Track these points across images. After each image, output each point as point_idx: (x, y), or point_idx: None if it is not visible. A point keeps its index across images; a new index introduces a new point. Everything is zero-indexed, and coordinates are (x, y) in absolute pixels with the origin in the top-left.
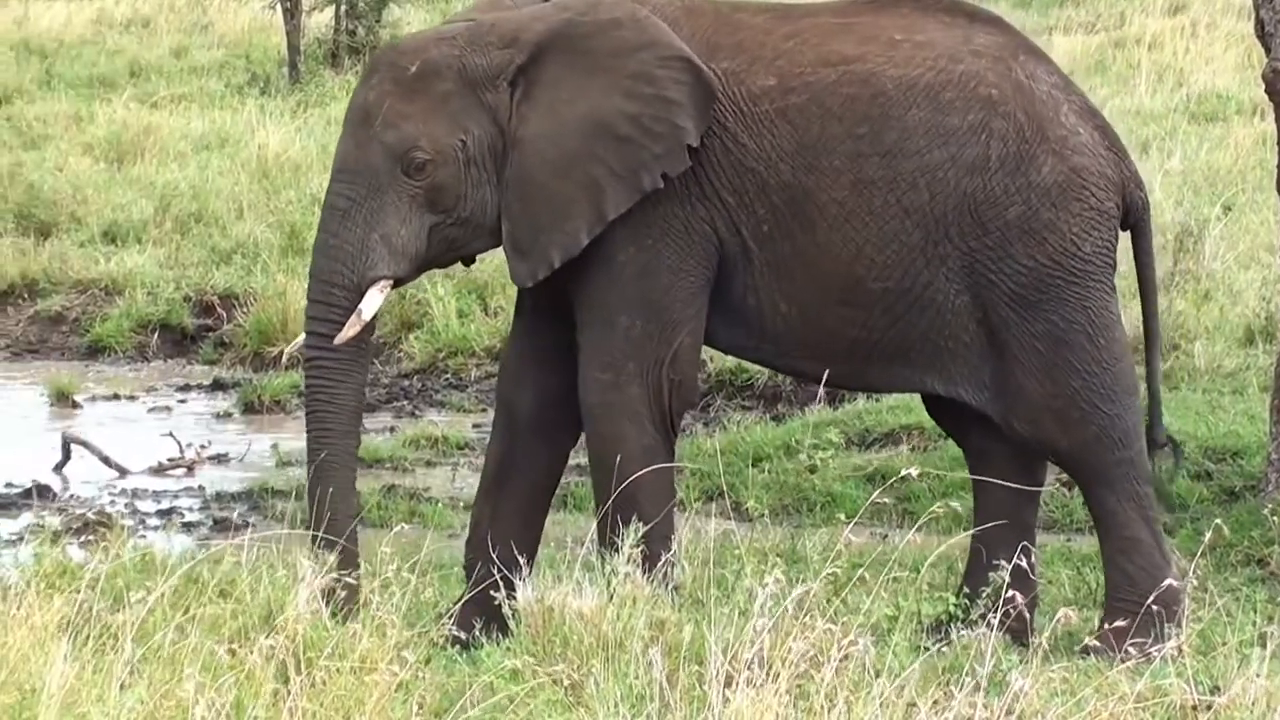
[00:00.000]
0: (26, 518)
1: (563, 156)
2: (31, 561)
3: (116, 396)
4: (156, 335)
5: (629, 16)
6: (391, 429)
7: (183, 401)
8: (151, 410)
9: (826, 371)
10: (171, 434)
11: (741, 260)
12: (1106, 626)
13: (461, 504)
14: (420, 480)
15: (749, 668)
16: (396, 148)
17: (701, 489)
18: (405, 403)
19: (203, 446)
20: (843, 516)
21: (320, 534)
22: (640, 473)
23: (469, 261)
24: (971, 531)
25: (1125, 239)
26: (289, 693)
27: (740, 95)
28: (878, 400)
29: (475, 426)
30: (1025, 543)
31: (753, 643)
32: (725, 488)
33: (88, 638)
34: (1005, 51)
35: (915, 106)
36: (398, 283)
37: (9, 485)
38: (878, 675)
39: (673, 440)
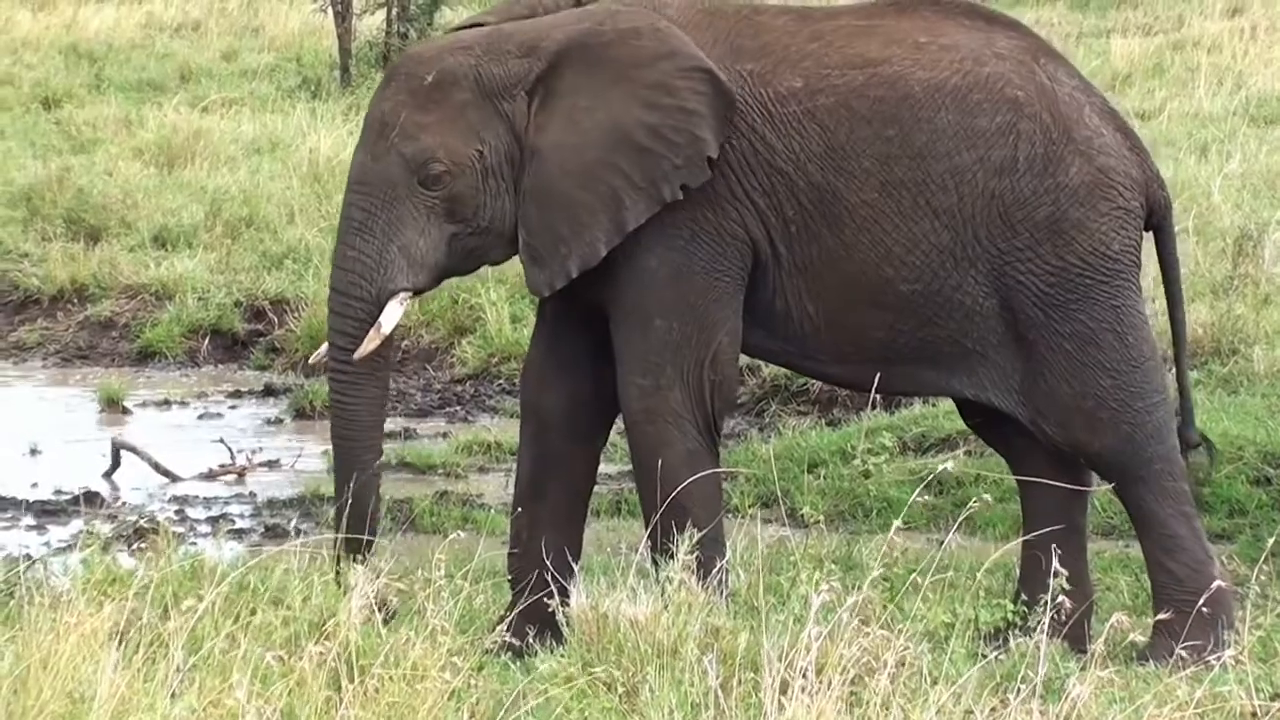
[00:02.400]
0: (76, 525)
1: (582, 167)
2: (81, 569)
3: (167, 402)
4: (207, 340)
5: (649, 26)
6: (444, 434)
7: (234, 407)
8: (202, 416)
9: (862, 375)
10: (222, 440)
11: (770, 262)
12: (1160, 628)
13: None
14: (473, 486)
15: (804, 675)
16: (413, 159)
17: (756, 495)
18: (458, 408)
19: (254, 453)
20: (899, 523)
21: (343, 542)
22: (686, 478)
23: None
24: (1024, 538)
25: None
26: (341, 700)
27: (767, 97)
28: (934, 405)
29: None
30: (1078, 546)
31: (808, 649)
32: (780, 493)
33: (138, 645)
34: (1027, 54)
35: (944, 109)
36: (416, 293)
37: (59, 492)
38: (934, 683)
39: (717, 442)
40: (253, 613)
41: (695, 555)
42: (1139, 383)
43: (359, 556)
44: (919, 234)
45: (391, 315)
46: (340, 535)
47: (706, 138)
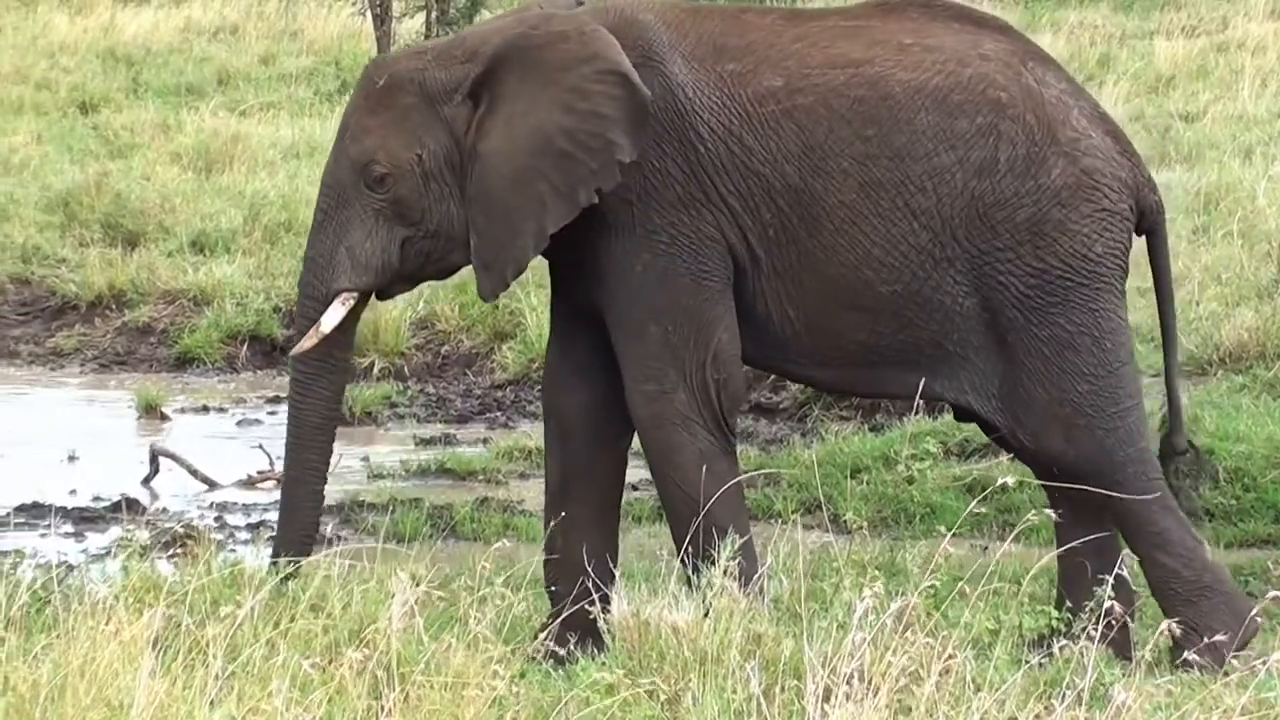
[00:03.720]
0: (115, 531)
1: (513, 171)
2: (120, 576)
3: (205, 408)
4: (246, 346)
5: (576, 29)
6: (485, 440)
7: (273, 413)
8: (241, 422)
9: (845, 378)
10: (261, 446)
11: (749, 266)
12: (1178, 625)
13: None
14: (514, 493)
15: (848, 682)
16: (357, 161)
17: (799, 500)
18: (499, 414)
19: None
20: (942, 528)
21: (277, 543)
22: (701, 480)
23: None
24: (1056, 552)
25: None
26: (381, 708)
27: (746, 97)
28: None
29: None
30: (1112, 549)
31: (851, 656)
32: (823, 499)
33: (177, 653)
34: (1014, 57)
35: (924, 110)
36: (380, 295)
37: (97, 499)
38: (978, 689)
39: (731, 441)
40: (292, 620)
41: (733, 560)
42: (1114, 388)
43: (294, 557)
44: (897, 235)
45: (332, 315)
46: (278, 534)
47: (619, 142)
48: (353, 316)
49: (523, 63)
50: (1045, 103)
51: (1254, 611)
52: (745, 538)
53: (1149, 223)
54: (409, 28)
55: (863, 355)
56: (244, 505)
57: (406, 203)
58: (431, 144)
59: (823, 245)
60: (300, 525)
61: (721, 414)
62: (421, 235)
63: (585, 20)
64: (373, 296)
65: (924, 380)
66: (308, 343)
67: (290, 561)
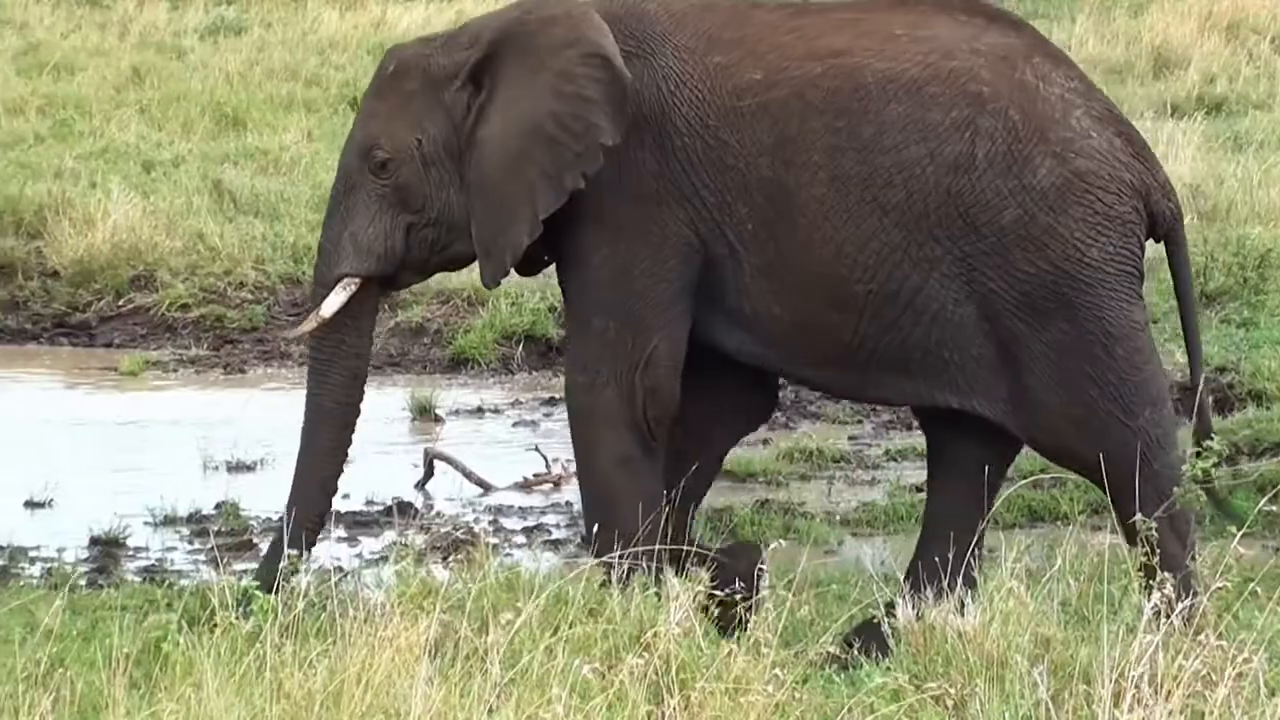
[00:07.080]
0: (389, 536)
1: (507, 157)
2: (395, 581)
3: (480, 410)
4: (521, 346)
5: (565, 14)
6: (765, 441)
7: (549, 415)
8: (516, 424)
9: (843, 382)
10: (537, 448)
11: (729, 264)
12: None
13: (837, 518)
14: (795, 494)
15: (1137, 686)
16: (362, 146)
17: (1086, 501)
18: (778, 414)
19: (570, 461)
20: (1233, 529)
21: (289, 516)
22: (616, 482)
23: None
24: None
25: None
26: (662, 715)
27: (726, 90)
28: (1268, 408)
29: (851, 439)
30: None
31: (1141, 660)
32: (1110, 500)
33: (454, 659)
34: (1015, 53)
35: (895, 100)
36: (389, 284)
37: (370, 503)
38: (1273, 694)
39: (653, 447)
40: (571, 625)
41: (610, 561)
42: (1128, 396)
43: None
44: (868, 231)
45: (333, 300)
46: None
47: (602, 125)
48: (361, 303)
49: (517, 48)
50: (1038, 99)
51: None
52: (645, 540)
53: (1163, 228)
54: None
55: (850, 357)
56: (520, 509)
57: (409, 189)
58: (432, 130)
59: (799, 241)
60: (306, 517)
61: (645, 420)
62: (424, 223)
63: (575, 5)
64: (384, 286)
65: (921, 387)
66: (305, 327)
67: (292, 555)
